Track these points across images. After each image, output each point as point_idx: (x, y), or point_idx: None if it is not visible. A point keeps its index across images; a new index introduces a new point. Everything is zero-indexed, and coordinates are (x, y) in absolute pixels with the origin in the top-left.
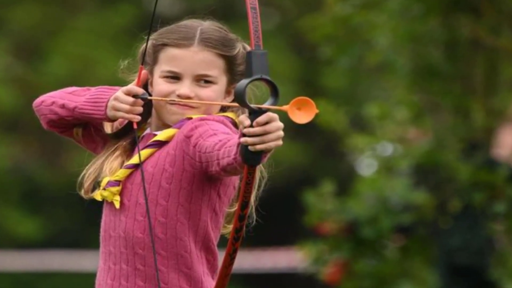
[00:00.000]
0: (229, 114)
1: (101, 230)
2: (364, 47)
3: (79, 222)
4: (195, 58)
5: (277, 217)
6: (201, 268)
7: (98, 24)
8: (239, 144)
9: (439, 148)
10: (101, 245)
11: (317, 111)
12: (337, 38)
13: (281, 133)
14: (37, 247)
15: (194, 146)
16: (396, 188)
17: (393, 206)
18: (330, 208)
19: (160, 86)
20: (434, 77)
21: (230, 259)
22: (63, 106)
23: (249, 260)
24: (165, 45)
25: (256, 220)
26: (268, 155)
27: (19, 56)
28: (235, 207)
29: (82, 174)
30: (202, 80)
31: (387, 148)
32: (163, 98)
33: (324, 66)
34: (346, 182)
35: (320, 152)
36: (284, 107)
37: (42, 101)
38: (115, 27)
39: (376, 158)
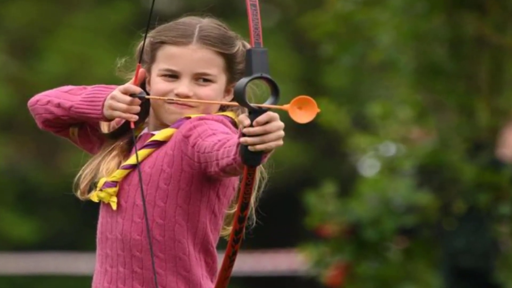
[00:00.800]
0: (229, 114)
1: (98, 232)
2: (367, 45)
3: (75, 224)
4: (193, 56)
5: (278, 218)
6: (199, 270)
7: (94, 21)
8: (238, 144)
9: (443, 148)
10: (98, 247)
11: (318, 110)
12: (338, 36)
13: (282, 132)
14: (33, 249)
15: (193, 146)
16: (399, 189)
17: (396, 207)
18: (332, 209)
19: (158, 84)
20: (438, 75)
21: (229, 261)
22: (58, 105)
23: (249, 263)
24: (163, 43)
25: (256, 222)
26: (268, 155)
27: (14, 54)
28: (235, 209)
29: (78, 174)
30: (201, 78)
31: (390, 148)
32: (161, 97)
33: (325, 64)
34: (348, 183)
35: (322, 152)
36: (285, 106)
37: (37, 100)
38: (112, 24)
39: (378, 159)
